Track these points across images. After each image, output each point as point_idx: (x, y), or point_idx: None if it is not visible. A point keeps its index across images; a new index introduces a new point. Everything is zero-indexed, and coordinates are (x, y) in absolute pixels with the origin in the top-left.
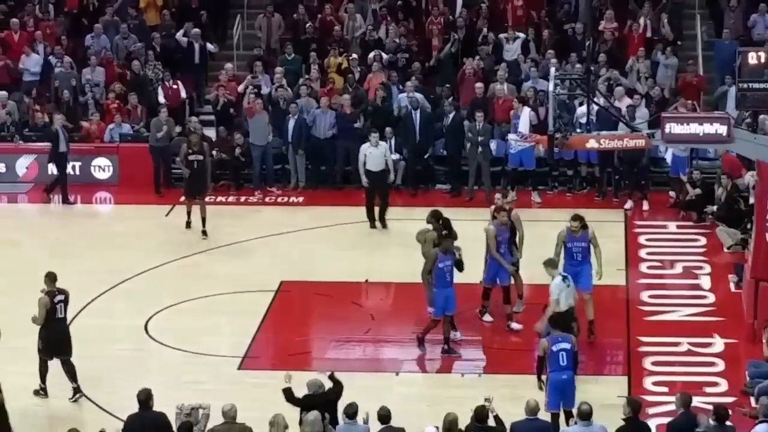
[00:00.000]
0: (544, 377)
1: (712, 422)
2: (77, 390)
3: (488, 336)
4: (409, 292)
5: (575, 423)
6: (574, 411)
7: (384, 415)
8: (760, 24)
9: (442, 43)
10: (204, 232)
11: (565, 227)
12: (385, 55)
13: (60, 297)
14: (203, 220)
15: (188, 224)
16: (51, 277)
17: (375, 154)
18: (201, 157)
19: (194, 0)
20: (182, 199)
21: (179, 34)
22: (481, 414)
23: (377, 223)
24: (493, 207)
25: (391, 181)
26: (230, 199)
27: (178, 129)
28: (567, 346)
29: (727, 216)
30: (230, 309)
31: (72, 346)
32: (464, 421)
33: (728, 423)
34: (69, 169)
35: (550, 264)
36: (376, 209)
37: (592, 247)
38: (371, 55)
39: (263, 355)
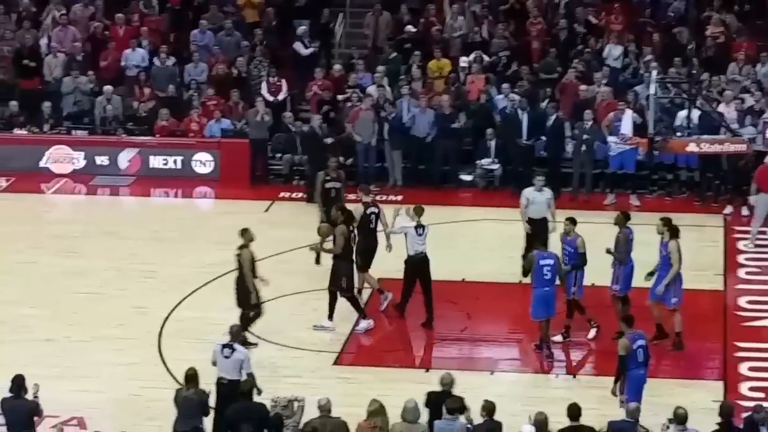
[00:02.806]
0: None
1: None
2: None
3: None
4: (504, 291)
5: (668, 427)
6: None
7: (490, 409)
8: None
9: (541, 45)
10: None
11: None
12: (485, 57)
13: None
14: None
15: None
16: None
17: (539, 200)
18: (338, 185)
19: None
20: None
21: (298, 45)
22: (573, 411)
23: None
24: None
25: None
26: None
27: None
28: (643, 342)
29: None
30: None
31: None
32: (554, 422)
33: None
34: (171, 164)
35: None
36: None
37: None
38: (472, 56)
39: (359, 351)
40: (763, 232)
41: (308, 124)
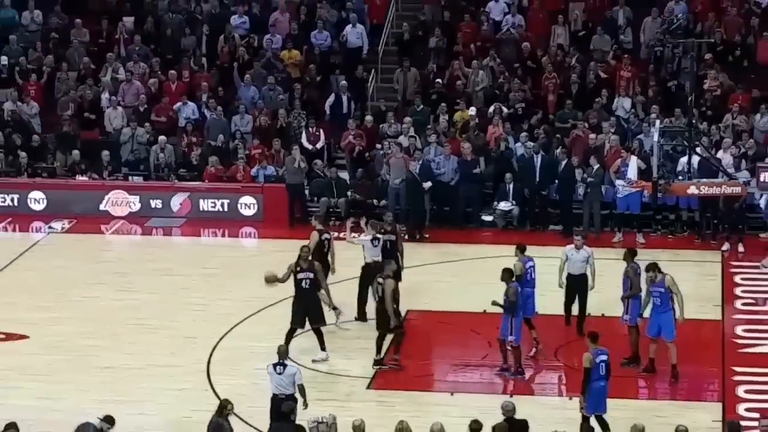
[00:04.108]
0: None
1: None
2: None
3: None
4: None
5: None
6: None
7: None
8: None
9: (556, 97)
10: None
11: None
12: (504, 109)
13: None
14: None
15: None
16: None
17: (576, 258)
18: (393, 237)
19: (336, 57)
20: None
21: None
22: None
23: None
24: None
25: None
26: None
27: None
28: (605, 357)
29: None
30: (359, 334)
31: None
32: None
33: None
34: (219, 207)
35: None
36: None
37: (673, 295)
38: (492, 108)
39: (390, 377)
40: (758, 267)
41: (409, 170)
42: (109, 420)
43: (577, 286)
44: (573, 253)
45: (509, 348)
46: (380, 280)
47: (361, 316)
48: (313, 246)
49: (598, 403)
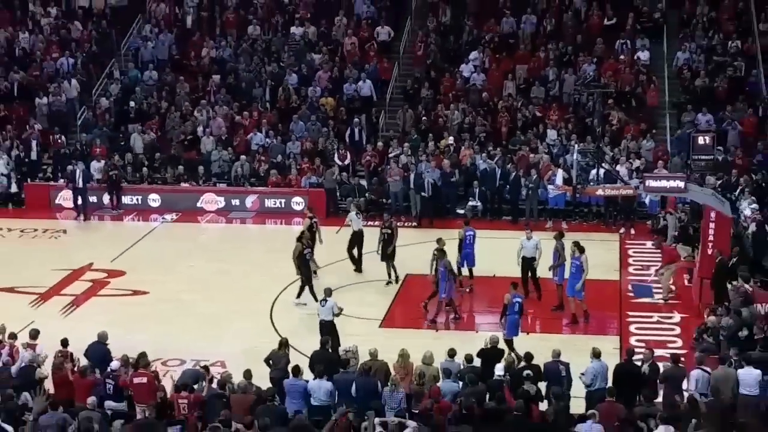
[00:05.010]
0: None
1: (670, 364)
2: None
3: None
4: (484, 282)
5: (591, 361)
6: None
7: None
8: (703, 120)
9: (507, 129)
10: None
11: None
12: (471, 137)
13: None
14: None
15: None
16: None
17: (528, 245)
18: (389, 231)
19: (357, 102)
20: None
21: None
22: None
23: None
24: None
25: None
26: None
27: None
28: (520, 300)
29: (683, 238)
30: (367, 288)
31: None
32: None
33: (681, 365)
34: (278, 204)
35: None
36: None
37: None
38: (463, 137)
39: (395, 318)
40: (643, 244)
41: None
42: (207, 369)
43: (529, 266)
44: (525, 242)
45: (447, 302)
46: (436, 251)
47: (358, 268)
48: (306, 226)
49: (513, 330)
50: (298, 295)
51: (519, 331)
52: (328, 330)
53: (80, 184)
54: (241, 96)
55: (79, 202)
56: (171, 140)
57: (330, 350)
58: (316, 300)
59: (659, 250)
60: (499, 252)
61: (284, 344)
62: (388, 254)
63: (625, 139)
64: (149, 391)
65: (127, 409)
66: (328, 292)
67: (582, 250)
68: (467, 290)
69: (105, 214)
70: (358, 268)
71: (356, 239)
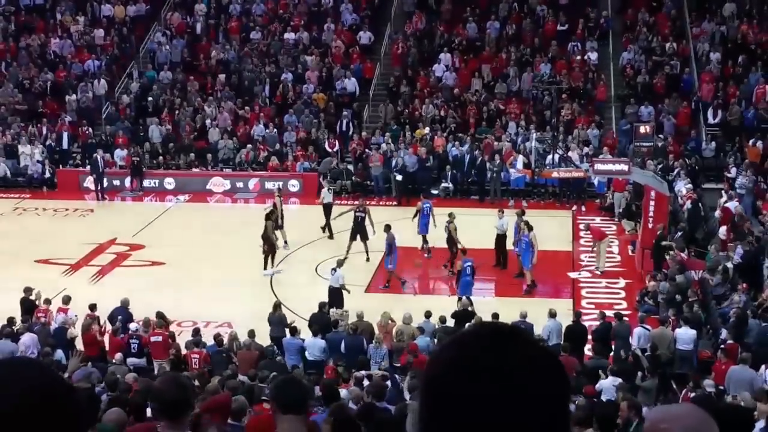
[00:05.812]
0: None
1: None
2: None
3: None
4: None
5: (548, 320)
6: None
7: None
8: (644, 112)
9: (475, 121)
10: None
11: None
12: (441, 126)
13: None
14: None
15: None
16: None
17: (499, 224)
18: (363, 214)
19: (345, 98)
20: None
21: (340, 122)
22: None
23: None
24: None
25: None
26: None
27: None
28: (470, 264)
29: (627, 214)
30: (360, 262)
31: None
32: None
33: (625, 320)
34: (276, 186)
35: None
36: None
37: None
38: (437, 127)
39: (376, 284)
40: (593, 220)
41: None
42: (219, 342)
43: (500, 241)
44: (497, 221)
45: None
46: (448, 221)
47: (331, 235)
48: (278, 205)
49: (465, 290)
50: (265, 267)
51: (472, 290)
52: (335, 295)
53: (101, 170)
54: (243, 93)
55: (99, 186)
56: (183, 131)
57: (326, 313)
58: (265, 268)
59: (588, 231)
60: (468, 227)
61: (278, 306)
62: (366, 236)
63: (576, 128)
64: (164, 348)
65: (146, 364)
66: (340, 263)
67: (530, 228)
68: (426, 255)
69: (126, 196)
70: (331, 236)
71: (326, 210)
